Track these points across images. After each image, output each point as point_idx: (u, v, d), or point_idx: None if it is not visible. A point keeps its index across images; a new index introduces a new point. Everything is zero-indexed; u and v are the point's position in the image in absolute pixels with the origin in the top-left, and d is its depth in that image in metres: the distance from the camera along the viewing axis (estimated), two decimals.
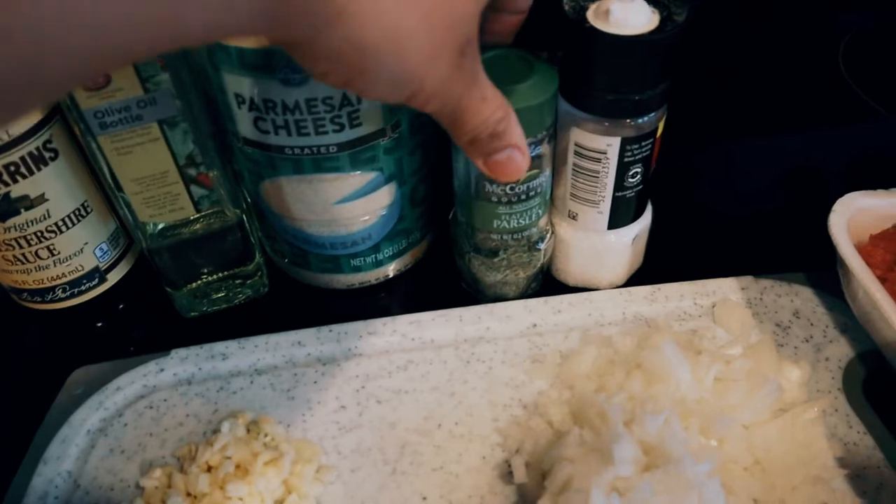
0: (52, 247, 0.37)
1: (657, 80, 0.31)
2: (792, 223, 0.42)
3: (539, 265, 0.38)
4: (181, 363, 0.37)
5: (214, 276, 0.40)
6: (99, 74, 0.17)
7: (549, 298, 0.39)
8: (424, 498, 0.31)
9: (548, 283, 0.40)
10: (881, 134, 0.49)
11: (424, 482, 0.32)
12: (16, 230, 0.35)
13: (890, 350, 0.32)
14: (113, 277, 0.40)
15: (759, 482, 0.30)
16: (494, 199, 0.34)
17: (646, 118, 0.32)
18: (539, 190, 0.34)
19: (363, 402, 0.35)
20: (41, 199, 0.35)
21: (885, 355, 0.33)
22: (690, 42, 0.31)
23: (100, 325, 0.41)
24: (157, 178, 0.34)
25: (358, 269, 0.40)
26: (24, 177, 0.34)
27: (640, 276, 0.41)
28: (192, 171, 0.35)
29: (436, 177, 0.39)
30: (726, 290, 0.39)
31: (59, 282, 0.38)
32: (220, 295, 0.40)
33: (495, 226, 0.35)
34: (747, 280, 0.39)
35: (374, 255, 0.39)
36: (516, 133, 0.27)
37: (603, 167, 0.34)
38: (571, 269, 0.39)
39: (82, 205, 0.37)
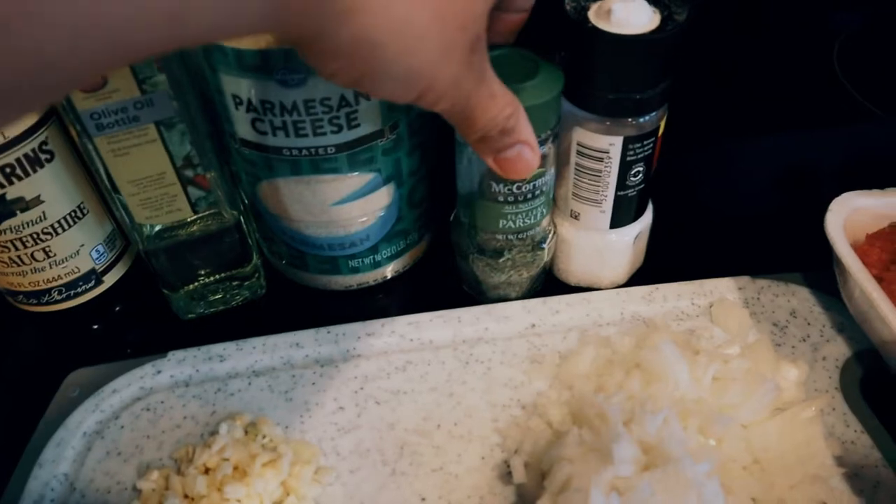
0: (48, 249, 0.36)
1: (658, 80, 0.31)
2: (788, 223, 0.42)
3: (542, 265, 0.38)
4: (178, 365, 0.37)
5: (212, 278, 0.40)
6: (103, 74, 0.16)
7: (548, 299, 0.39)
8: (423, 499, 0.31)
9: (548, 283, 0.40)
10: (876, 134, 0.50)
11: (424, 483, 0.32)
12: (11, 232, 0.35)
13: (887, 349, 0.32)
14: (109, 279, 0.40)
15: (758, 481, 0.30)
16: (500, 198, 0.34)
17: (647, 117, 0.32)
18: (544, 189, 0.34)
19: (362, 403, 0.35)
20: (37, 200, 0.35)
21: (881, 354, 0.33)
22: (689, 42, 0.31)
23: (96, 327, 0.41)
24: (154, 180, 0.34)
25: (356, 271, 0.40)
26: (19, 178, 0.34)
27: (639, 276, 0.41)
28: (189, 173, 0.35)
29: (434, 178, 0.39)
30: (724, 289, 0.39)
31: (55, 284, 0.38)
32: (217, 297, 0.40)
33: (501, 226, 0.35)
34: (744, 280, 0.39)
35: (372, 257, 0.39)
36: (526, 129, 0.27)
37: (605, 166, 0.34)
38: (573, 268, 0.39)
39: (78, 206, 0.37)
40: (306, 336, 0.38)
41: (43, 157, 0.34)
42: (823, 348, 0.36)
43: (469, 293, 0.40)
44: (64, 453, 0.34)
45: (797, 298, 0.38)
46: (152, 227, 0.36)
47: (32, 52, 0.14)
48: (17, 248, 0.36)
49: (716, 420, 0.31)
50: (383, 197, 0.37)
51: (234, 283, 0.40)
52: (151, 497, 0.31)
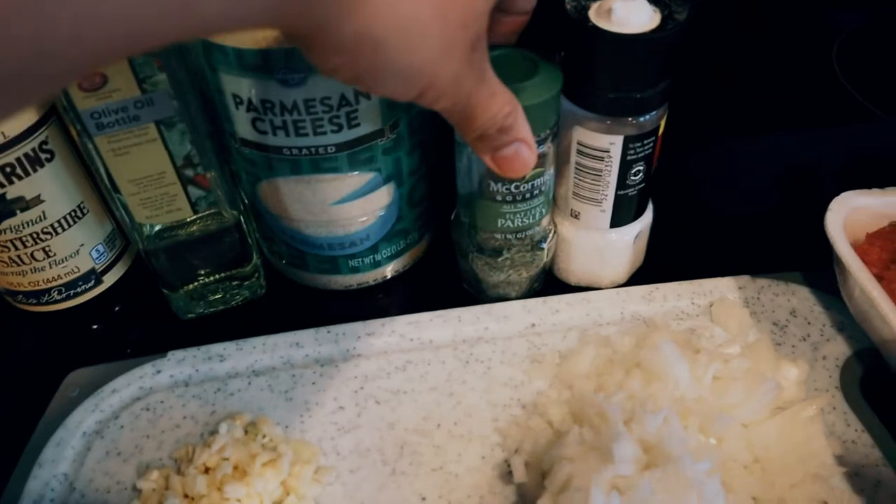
0: (47, 248, 0.36)
1: (659, 79, 0.31)
2: (788, 222, 0.42)
3: (542, 265, 0.38)
4: (178, 365, 0.37)
5: (211, 278, 0.40)
6: (105, 64, 0.16)
7: (548, 298, 0.39)
8: (424, 498, 0.31)
9: (549, 282, 0.40)
10: (876, 134, 0.50)
11: (424, 482, 0.32)
12: (11, 232, 0.35)
13: (887, 348, 0.32)
14: (109, 279, 0.40)
15: (759, 480, 0.30)
16: (499, 197, 0.34)
17: (648, 116, 0.32)
18: (543, 189, 0.34)
19: (362, 402, 0.35)
20: (37, 200, 0.35)
21: (882, 353, 0.33)
22: (690, 41, 0.31)
23: (96, 327, 0.41)
24: (155, 179, 0.34)
25: (356, 270, 0.40)
26: (19, 178, 0.34)
27: (639, 276, 0.41)
28: (189, 172, 0.35)
29: (434, 177, 0.39)
30: (724, 289, 0.39)
31: (54, 284, 0.38)
32: (217, 296, 0.40)
33: (499, 225, 0.35)
34: (744, 279, 0.39)
35: (372, 256, 0.39)
36: (524, 127, 0.27)
37: (606, 165, 0.34)
38: (573, 267, 0.39)
39: (78, 206, 0.37)
40: (306, 336, 0.38)
41: (43, 156, 0.34)
42: (824, 347, 0.36)
43: (469, 292, 0.40)
44: (63, 453, 0.34)
45: (797, 298, 0.38)
46: (152, 226, 0.36)
47: (32, 40, 0.14)
48: (16, 248, 0.36)
49: (716, 419, 0.31)
50: (383, 196, 0.37)
51: (234, 283, 0.40)
52: (151, 497, 0.31)
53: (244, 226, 0.39)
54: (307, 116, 0.32)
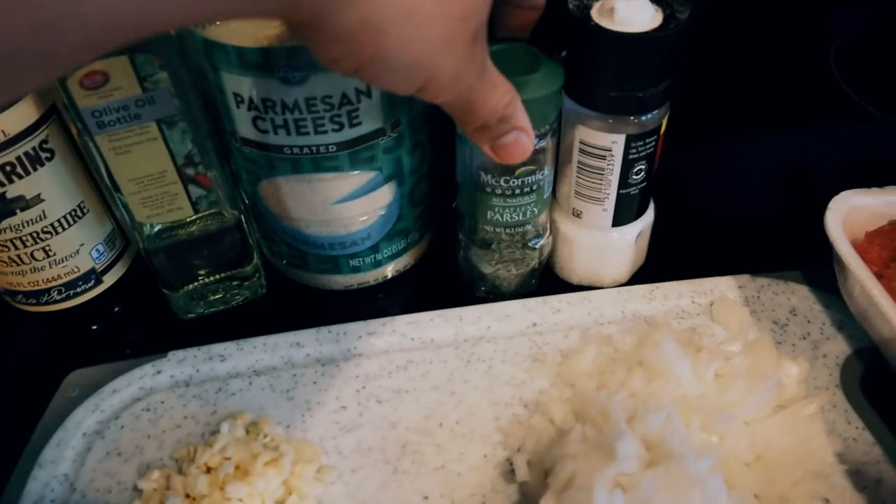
0: (47, 248, 0.36)
1: (661, 78, 0.31)
2: (788, 222, 0.42)
3: (533, 265, 0.38)
4: (178, 365, 0.37)
5: (212, 278, 0.39)
6: (108, 49, 0.16)
7: (548, 298, 0.39)
8: (426, 497, 0.31)
9: (550, 281, 0.41)
10: (875, 134, 0.50)
11: (426, 481, 0.32)
12: (11, 231, 0.35)
13: (887, 346, 0.32)
14: (109, 279, 0.40)
15: (760, 478, 0.30)
16: (489, 189, 0.34)
17: (650, 115, 0.32)
18: (534, 187, 0.34)
19: (363, 402, 0.35)
20: (37, 199, 0.35)
21: (882, 351, 0.33)
22: (692, 40, 0.32)
23: (95, 327, 0.41)
24: (155, 178, 0.34)
25: (357, 270, 0.40)
26: (19, 177, 0.34)
27: (640, 275, 0.41)
28: (190, 171, 0.35)
29: (435, 176, 0.39)
30: (724, 288, 0.39)
31: (54, 283, 0.38)
32: (217, 297, 0.40)
33: (489, 217, 0.35)
34: (744, 278, 0.39)
35: (372, 256, 0.39)
36: (522, 116, 0.27)
37: (608, 164, 0.34)
38: (575, 266, 0.39)
39: (78, 205, 0.37)
40: (307, 335, 0.38)
41: (43, 155, 0.34)
42: (824, 346, 0.36)
43: (464, 280, 0.40)
44: (64, 454, 0.33)
45: (797, 296, 0.38)
46: (153, 226, 0.36)
47: (34, 13, 0.14)
48: (16, 248, 0.36)
49: (718, 417, 0.31)
50: (384, 196, 0.37)
51: (235, 283, 0.40)
52: (152, 497, 0.31)
53: (245, 225, 0.39)
54: (308, 115, 0.32)
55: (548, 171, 0.34)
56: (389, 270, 0.41)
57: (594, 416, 0.31)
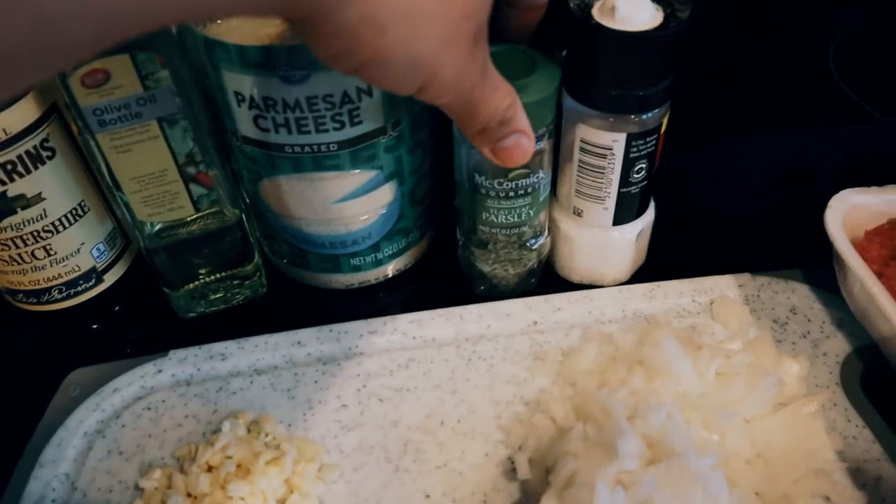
0: (48, 247, 0.36)
1: (661, 77, 0.31)
2: (788, 221, 0.43)
3: (531, 265, 0.38)
4: (179, 364, 0.37)
5: (212, 277, 0.39)
6: (109, 44, 0.16)
7: (549, 296, 0.39)
8: (428, 496, 0.31)
9: (551, 280, 0.41)
10: (874, 134, 0.50)
11: (428, 480, 0.32)
12: (12, 230, 0.35)
13: (887, 344, 0.32)
14: (110, 278, 0.40)
15: (761, 475, 0.31)
16: (483, 190, 0.34)
17: (650, 114, 0.32)
18: (529, 190, 0.34)
19: (365, 400, 0.35)
20: (38, 198, 0.35)
21: (881, 350, 0.33)
22: (692, 39, 0.32)
23: (96, 326, 0.41)
24: (157, 177, 0.34)
25: (357, 269, 0.40)
26: (20, 175, 0.33)
27: (640, 274, 0.41)
28: (191, 170, 0.35)
29: (435, 175, 0.39)
30: (724, 287, 0.39)
31: (55, 282, 0.38)
32: (218, 296, 0.40)
33: (484, 218, 0.35)
34: (745, 277, 0.39)
35: (373, 255, 0.39)
36: (523, 119, 0.27)
37: (609, 163, 0.34)
38: (576, 265, 0.39)
39: (79, 204, 0.37)
40: (308, 334, 0.38)
41: (44, 154, 0.34)
42: (824, 344, 0.36)
43: (464, 276, 0.40)
44: (65, 453, 0.33)
45: (797, 295, 0.38)
46: (153, 225, 0.36)
47: (33, 6, 0.14)
48: (17, 246, 0.36)
49: (719, 415, 0.31)
50: (385, 194, 0.37)
51: (235, 282, 0.40)
52: (154, 496, 0.31)
53: (246, 224, 0.39)
54: (309, 114, 0.32)
55: (543, 173, 0.34)
56: (390, 269, 0.41)
57: (595, 415, 0.31)
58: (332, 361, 0.37)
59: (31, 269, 0.37)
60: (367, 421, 0.34)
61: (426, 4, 0.20)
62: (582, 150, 0.34)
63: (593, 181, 0.35)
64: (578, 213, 0.37)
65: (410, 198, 0.38)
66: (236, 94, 0.32)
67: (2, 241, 0.35)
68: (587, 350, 0.35)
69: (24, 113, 0.33)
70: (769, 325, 0.37)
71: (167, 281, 0.39)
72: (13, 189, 0.34)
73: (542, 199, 0.36)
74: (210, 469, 0.32)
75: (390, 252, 0.40)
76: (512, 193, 0.34)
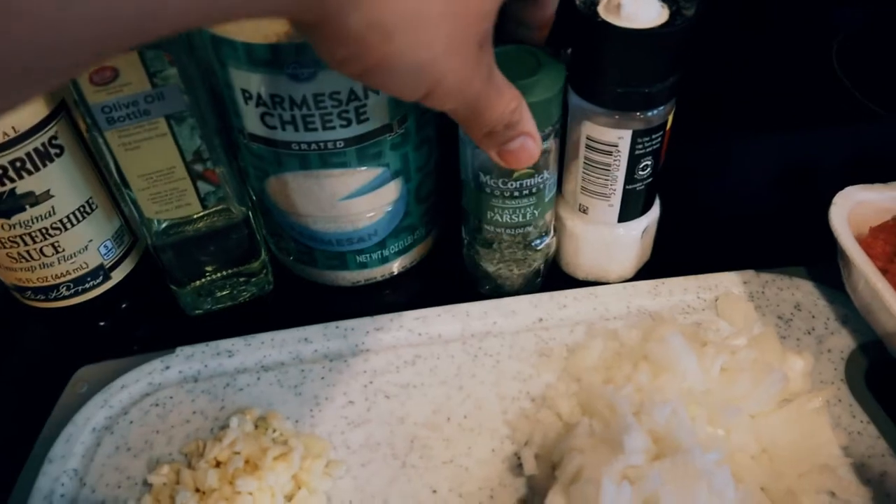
0: (56, 244, 0.36)
1: (667, 74, 0.31)
2: (792, 218, 0.43)
3: (536, 265, 0.38)
4: (187, 361, 0.37)
5: (219, 274, 0.40)
6: (121, 52, 0.16)
7: (554, 293, 0.39)
8: (435, 491, 0.31)
9: (556, 277, 0.41)
10: (878, 132, 0.50)
11: (434, 475, 0.32)
12: (20, 227, 0.35)
13: (891, 340, 0.33)
14: (117, 275, 0.40)
15: (767, 471, 0.31)
16: (488, 190, 0.34)
17: (656, 111, 0.33)
18: (534, 190, 0.34)
19: (371, 397, 0.35)
20: (46, 195, 0.35)
21: (886, 345, 0.34)
22: (697, 37, 0.32)
23: (103, 323, 0.41)
24: (164, 174, 0.34)
25: (364, 266, 0.40)
26: (29, 173, 0.34)
27: (645, 270, 0.41)
28: (199, 167, 0.35)
29: (441, 173, 0.40)
30: (728, 283, 0.39)
31: (63, 280, 0.38)
32: (224, 293, 0.40)
33: (488, 217, 0.36)
34: (749, 274, 0.39)
35: (379, 252, 0.40)
36: (529, 121, 0.27)
37: (614, 160, 0.34)
38: (581, 262, 0.40)
39: (87, 201, 0.37)
40: (315, 331, 0.38)
41: (53, 151, 0.34)
42: (828, 340, 0.36)
43: (470, 276, 0.41)
44: (73, 449, 0.34)
45: (801, 292, 0.39)
46: (160, 222, 0.37)
47: (47, 16, 0.13)
48: (26, 244, 0.36)
49: (724, 410, 0.31)
50: (391, 192, 0.37)
51: (242, 280, 0.40)
52: (162, 491, 0.31)
53: (252, 222, 0.39)
54: (316, 111, 0.32)
55: (548, 173, 0.34)
56: (396, 266, 0.41)
57: (601, 410, 0.31)
58: (339, 358, 0.37)
59: (40, 266, 0.37)
60: (374, 417, 0.34)
61: (433, 11, 0.20)
62: (587, 147, 0.35)
63: (599, 178, 0.35)
64: (584, 209, 0.37)
65: (416, 195, 0.38)
66: (243, 91, 0.32)
67: (10, 238, 0.35)
68: (592, 346, 0.35)
69: (32, 111, 0.33)
70: (774, 322, 0.37)
71: (174, 278, 0.39)
72: (22, 186, 0.34)
73: (547, 199, 0.36)
74: (218, 465, 0.32)
75: (396, 249, 0.40)
76: (517, 193, 0.34)
